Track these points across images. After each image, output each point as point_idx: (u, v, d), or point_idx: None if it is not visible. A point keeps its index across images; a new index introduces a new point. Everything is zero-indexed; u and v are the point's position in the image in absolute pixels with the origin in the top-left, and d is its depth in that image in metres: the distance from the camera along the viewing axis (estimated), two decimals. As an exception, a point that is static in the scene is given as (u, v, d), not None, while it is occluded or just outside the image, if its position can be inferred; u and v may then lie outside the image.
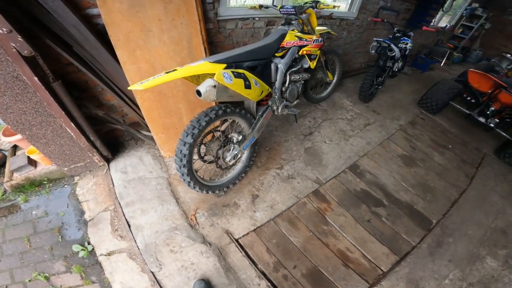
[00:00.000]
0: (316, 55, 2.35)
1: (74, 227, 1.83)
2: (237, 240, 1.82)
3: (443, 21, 6.40)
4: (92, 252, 1.70)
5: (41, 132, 1.77)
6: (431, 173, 2.64)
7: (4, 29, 1.32)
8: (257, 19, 2.51)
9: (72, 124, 1.80)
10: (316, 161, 2.50)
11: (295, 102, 2.36)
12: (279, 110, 2.18)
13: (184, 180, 1.74)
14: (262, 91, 1.85)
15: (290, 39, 2.05)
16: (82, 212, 1.90)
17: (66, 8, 1.53)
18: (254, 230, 1.88)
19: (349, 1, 3.48)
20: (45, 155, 1.89)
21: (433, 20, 4.99)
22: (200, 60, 1.52)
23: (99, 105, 2.12)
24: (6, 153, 2.25)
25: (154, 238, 1.75)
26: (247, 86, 1.63)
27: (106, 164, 2.17)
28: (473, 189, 2.58)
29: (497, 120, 3.09)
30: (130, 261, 1.65)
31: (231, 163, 1.96)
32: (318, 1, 2.17)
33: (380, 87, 3.62)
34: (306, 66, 2.31)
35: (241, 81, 1.58)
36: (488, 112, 3.15)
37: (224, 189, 2.07)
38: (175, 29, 1.86)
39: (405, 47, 3.41)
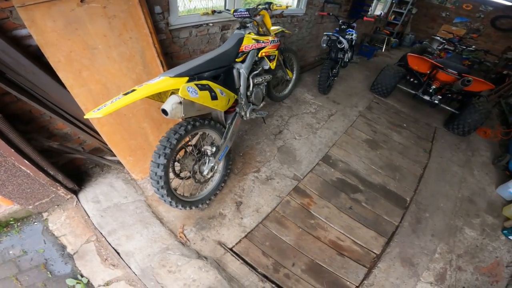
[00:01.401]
0: (275, 55, 2.33)
1: (60, 262, 1.67)
2: (231, 249, 1.76)
3: (377, 9, 6.87)
4: (88, 284, 1.57)
5: None
6: (394, 153, 2.80)
7: None
8: (211, 24, 2.41)
9: (26, 161, 1.56)
10: (290, 158, 2.51)
11: (261, 105, 2.32)
12: (248, 115, 2.13)
13: (165, 201, 1.61)
14: (229, 100, 1.78)
15: (248, 42, 1.99)
16: (63, 247, 1.72)
17: None
18: (246, 236, 1.84)
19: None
20: (4, 197, 1.63)
21: (370, 9, 5.31)
22: (160, 76, 1.40)
23: (51, 136, 1.85)
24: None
25: (148, 262, 1.63)
26: (214, 97, 1.55)
27: (74, 196, 1.93)
28: (433, 162, 2.80)
29: (440, 97, 3.39)
30: (132, 288, 1.52)
31: (209, 176, 1.86)
32: (271, 2, 2.13)
33: (335, 78, 3.75)
34: (266, 67, 2.27)
35: (206, 93, 1.49)
36: (430, 91, 3.44)
37: (207, 202, 1.97)
38: (125, 44, 1.68)
39: (351, 38, 3.56)
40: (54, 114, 1.69)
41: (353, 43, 3.71)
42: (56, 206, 1.90)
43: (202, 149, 1.81)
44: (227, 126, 1.92)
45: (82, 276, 1.60)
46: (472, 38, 6.85)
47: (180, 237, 1.78)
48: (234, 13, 2.10)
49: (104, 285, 1.55)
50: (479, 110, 3.10)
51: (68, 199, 1.91)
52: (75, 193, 1.96)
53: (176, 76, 1.39)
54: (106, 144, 1.95)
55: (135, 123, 1.91)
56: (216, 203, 2.03)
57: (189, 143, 1.81)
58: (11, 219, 1.82)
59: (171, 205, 1.66)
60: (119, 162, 2.07)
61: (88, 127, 1.88)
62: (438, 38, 4.67)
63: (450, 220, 2.18)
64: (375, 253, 1.87)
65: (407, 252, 1.90)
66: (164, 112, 1.33)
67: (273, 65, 2.31)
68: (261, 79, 2.20)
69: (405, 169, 2.62)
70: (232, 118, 1.96)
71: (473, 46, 4.32)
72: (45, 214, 1.86)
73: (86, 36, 1.53)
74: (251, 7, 2.08)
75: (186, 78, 1.42)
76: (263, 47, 2.14)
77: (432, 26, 7.79)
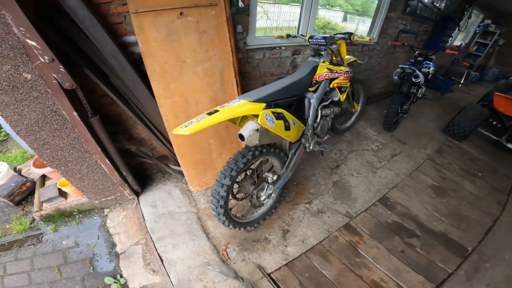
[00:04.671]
0: (346, 87, 2.31)
1: (106, 259, 1.82)
2: (269, 275, 1.78)
3: (457, 39, 6.39)
4: (124, 286, 1.67)
5: (76, 168, 1.75)
6: (463, 202, 2.59)
7: (46, 58, 1.26)
8: (283, 48, 2.52)
9: (107, 160, 1.78)
10: (345, 194, 2.46)
11: (326, 138, 2.33)
12: (311, 147, 2.14)
13: (219, 219, 1.70)
14: (299, 131, 1.82)
15: (322, 71, 2.00)
16: (113, 245, 1.89)
17: (106, 34, 1.50)
18: (286, 264, 1.85)
19: (369, 26, 3.52)
20: (78, 189, 1.88)
21: (449, 40, 4.99)
22: (239, 99, 1.47)
23: (130, 139, 2.11)
24: (35, 181, 2.25)
25: (187, 274, 1.71)
26: (287, 127, 1.61)
27: (136, 197, 2.15)
28: (507, 216, 2.52)
29: None
30: (165, 297, 1.61)
31: (265, 202, 1.92)
32: (352, 33, 2.13)
33: (405, 115, 3.58)
34: (336, 99, 2.26)
35: (281, 122, 1.55)
36: None
37: (255, 225, 2.02)
38: (209, 60, 1.86)
39: (428, 72, 3.37)
40: (139, 120, 1.92)
41: (429, 77, 3.51)
42: (118, 205, 2.13)
43: (263, 176, 1.87)
44: (289, 156, 1.96)
45: (121, 276, 1.71)
46: None
47: (222, 254, 1.85)
48: (310, 40, 2.13)
49: (140, 289, 1.65)
50: None
51: (130, 199, 2.13)
52: (137, 195, 2.17)
53: (255, 101, 1.45)
54: (173, 154, 2.13)
55: (204, 139, 2.06)
56: (263, 227, 2.07)
57: (251, 166, 1.88)
58: (76, 210, 2.07)
59: (223, 224, 1.74)
60: (180, 172, 2.24)
61: (162, 136, 2.08)
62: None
63: (512, 272, 1.95)
64: (418, 298, 1.73)
65: (455, 300, 1.73)
66: (241, 137, 1.41)
67: (343, 97, 2.29)
68: (329, 111, 2.20)
69: (473, 220, 2.41)
70: (296, 149, 1.99)
71: None
72: (106, 211, 2.09)
73: (180, 49, 1.72)
74: (328, 35, 2.10)
75: (264, 105, 1.47)
76: (336, 78, 2.13)
77: (523, 60, 6.98)
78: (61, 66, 1.33)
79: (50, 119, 1.49)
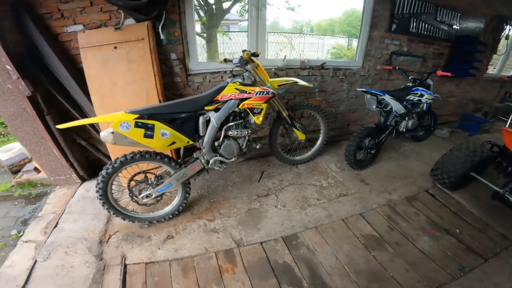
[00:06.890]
0: (261, 108, 2.33)
1: (27, 218, 2.55)
2: (125, 265, 1.99)
3: (509, 67, 5.01)
4: (20, 236, 2.24)
5: (37, 148, 2.59)
6: (399, 261, 2.08)
7: (15, 76, 2.11)
8: (228, 72, 2.79)
9: (56, 147, 2.54)
10: (252, 222, 2.41)
11: (233, 159, 2.43)
12: (209, 165, 2.31)
13: (99, 201, 2.08)
14: (174, 142, 2.05)
15: (228, 92, 2.15)
16: (40, 210, 2.55)
17: (60, 63, 2.28)
18: (147, 263, 2.01)
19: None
20: (39, 165, 2.73)
21: (488, 66, 3.98)
22: (122, 111, 1.91)
23: (90, 137, 2.83)
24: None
25: (63, 240, 2.13)
26: (148, 135, 1.90)
27: (81, 182, 2.85)
28: (460, 285, 1.91)
29: None
30: (33, 250, 2.07)
31: (144, 200, 2.21)
32: (244, 50, 2.32)
33: (372, 151, 3.08)
34: (252, 121, 2.35)
35: (140, 130, 1.87)
36: None
37: (146, 223, 2.32)
38: (136, 82, 2.42)
39: (420, 100, 2.90)
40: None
41: (425, 107, 3.00)
42: (67, 185, 2.86)
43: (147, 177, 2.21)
44: (182, 167, 2.21)
45: (23, 232, 2.27)
46: None
47: (105, 237, 2.22)
48: (233, 62, 2.32)
49: (24, 241, 2.15)
50: None
51: (77, 182, 2.85)
52: (84, 180, 2.87)
53: (131, 113, 1.89)
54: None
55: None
56: (155, 228, 2.32)
57: (152, 171, 2.24)
58: (39, 183, 2.91)
59: (103, 206, 2.11)
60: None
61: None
62: None
63: None
64: None
65: None
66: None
67: (258, 119, 2.35)
68: (237, 133, 2.32)
69: (396, 285, 1.90)
70: (190, 162, 2.26)
71: None
72: (57, 187, 2.85)
73: (112, 73, 2.37)
74: (241, 57, 2.27)
75: (135, 116, 1.88)
76: (247, 98, 2.22)
77: None
78: (22, 82, 2.15)
79: (21, 113, 2.38)
